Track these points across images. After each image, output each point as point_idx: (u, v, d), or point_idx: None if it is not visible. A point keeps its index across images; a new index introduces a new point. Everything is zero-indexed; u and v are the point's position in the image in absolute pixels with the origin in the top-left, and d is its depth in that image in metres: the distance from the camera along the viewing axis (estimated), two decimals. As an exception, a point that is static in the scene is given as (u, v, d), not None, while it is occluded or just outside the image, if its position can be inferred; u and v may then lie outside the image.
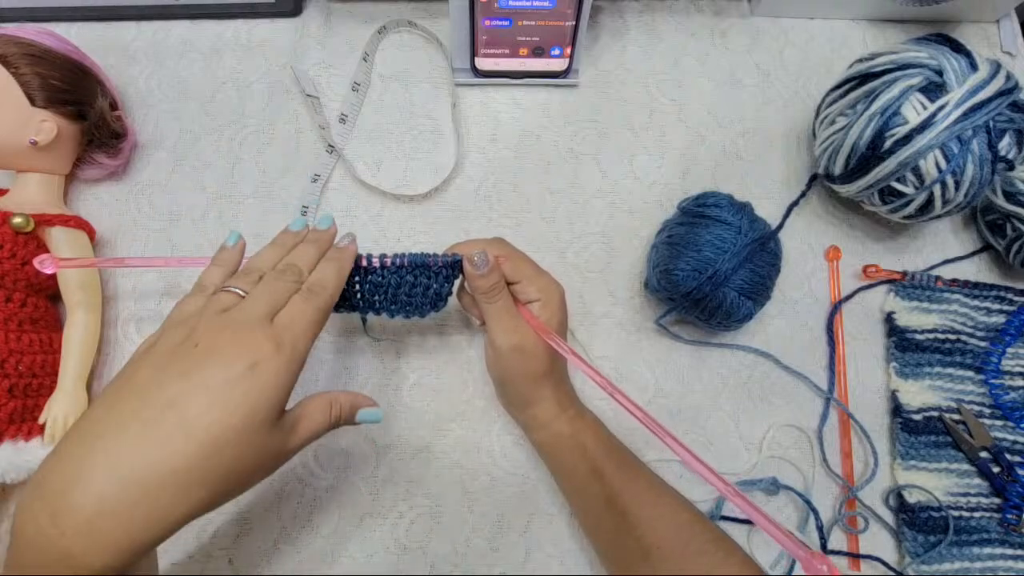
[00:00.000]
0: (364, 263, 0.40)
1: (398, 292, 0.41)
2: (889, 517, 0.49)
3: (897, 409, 0.50)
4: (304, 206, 0.53)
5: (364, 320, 0.47)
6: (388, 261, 0.40)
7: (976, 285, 0.52)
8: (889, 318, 0.52)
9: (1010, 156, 0.44)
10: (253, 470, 0.31)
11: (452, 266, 0.41)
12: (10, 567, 0.27)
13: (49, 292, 0.47)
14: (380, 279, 0.41)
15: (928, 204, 0.46)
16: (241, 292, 0.34)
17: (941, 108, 0.43)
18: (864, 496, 0.49)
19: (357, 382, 0.50)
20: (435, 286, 0.42)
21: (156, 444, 0.27)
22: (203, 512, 0.29)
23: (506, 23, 0.52)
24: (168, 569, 0.45)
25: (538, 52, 0.54)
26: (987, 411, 0.51)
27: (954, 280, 0.52)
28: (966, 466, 0.50)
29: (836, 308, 0.53)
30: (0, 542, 0.45)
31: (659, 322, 0.51)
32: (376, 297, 0.41)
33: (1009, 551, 0.48)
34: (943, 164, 0.44)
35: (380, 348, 0.50)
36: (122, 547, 0.26)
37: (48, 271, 0.43)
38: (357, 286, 0.41)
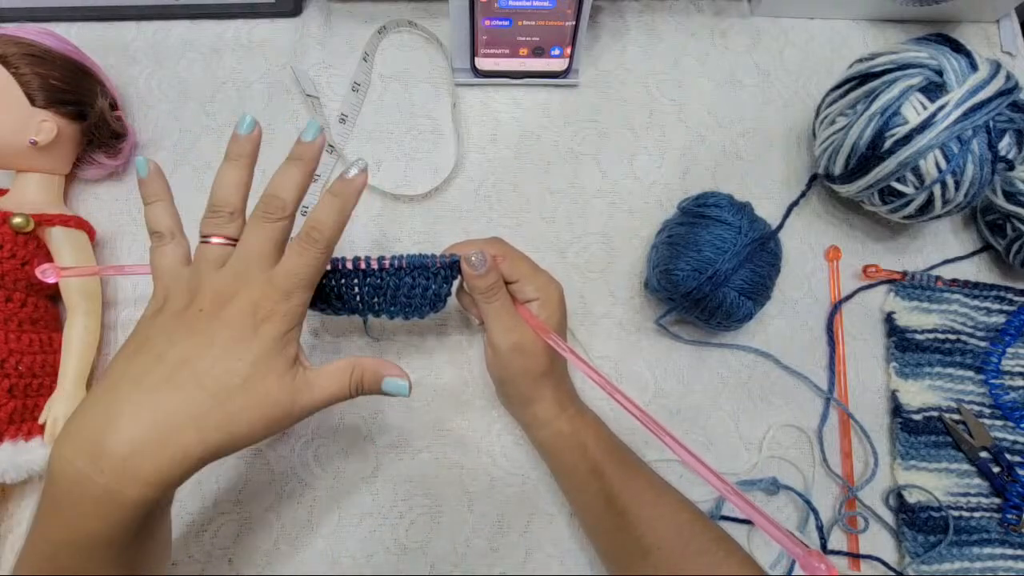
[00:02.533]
0: (363, 265, 0.40)
1: (397, 294, 0.41)
2: (889, 517, 0.49)
3: (897, 409, 0.50)
4: (304, 206, 0.53)
5: (365, 321, 0.47)
6: (387, 263, 0.40)
7: (976, 285, 0.52)
8: (889, 318, 0.52)
9: (1010, 156, 0.44)
10: (263, 421, 0.32)
11: (450, 267, 0.41)
12: (46, 512, 0.30)
13: (49, 292, 0.47)
14: (379, 281, 0.41)
15: (928, 204, 0.46)
16: (225, 242, 0.34)
17: (941, 108, 0.43)
18: (864, 496, 0.49)
19: (357, 382, 0.50)
20: (434, 287, 0.42)
21: (173, 394, 0.30)
22: (222, 454, 0.31)
23: (506, 23, 0.52)
24: (169, 569, 0.45)
25: (538, 52, 0.54)
26: (987, 411, 0.51)
27: (954, 280, 0.52)
28: (966, 466, 0.50)
29: (836, 308, 0.53)
30: (0, 540, 0.45)
31: (659, 322, 0.51)
32: (375, 299, 0.41)
33: (1009, 551, 0.48)
34: (943, 164, 0.44)
35: (380, 348, 0.50)
36: (153, 481, 0.29)
37: (50, 280, 0.44)
38: (356, 288, 0.41)
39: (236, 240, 0.34)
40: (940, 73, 0.44)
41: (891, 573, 0.47)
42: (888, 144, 0.45)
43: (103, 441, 0.28)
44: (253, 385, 0.31)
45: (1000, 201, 0.50)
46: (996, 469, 0.49)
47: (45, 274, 0.43)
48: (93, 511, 0.28)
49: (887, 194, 0.47)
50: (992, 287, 0.52)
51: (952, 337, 0.51)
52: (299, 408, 0.33)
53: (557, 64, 0.55)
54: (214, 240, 0.34)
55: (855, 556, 0.48)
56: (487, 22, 0.51)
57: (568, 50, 0.54)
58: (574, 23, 0.52)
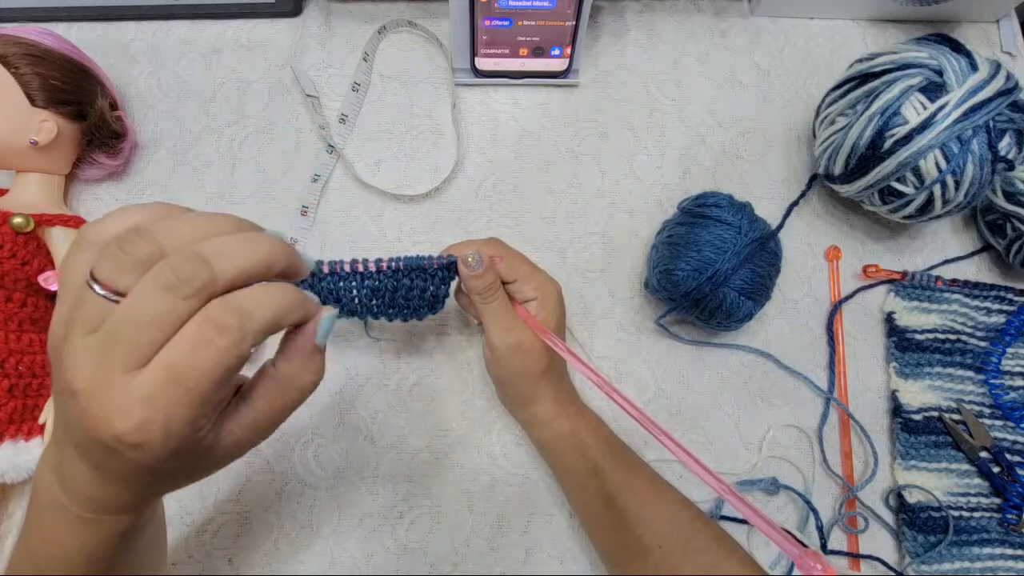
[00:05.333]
0: (360, 268, 0.40)
1: (395, 296, 0.41)
2: (889, 517, 0.49)
3: (897, 409, 0.50)
4: (304, 206, 0.53)
5: (365, 322, 0.47)
6: (384, 265, 0.40)
7: (976, 285, 0.52)
8: (889, 318, 0.52)
9: (1010, 156, 0.44)
10: (201, 473, 0.28)
11: (448, 268, 0.41)
12: (29, 528, 0.29)
13: (49, 293, 0.47)
14: (376, 283, 0.41)
15: (928, 204, 0.46)
16: (113, 297, 0.22)
17: (941, 108, 0.43)
18: (864, 496, 0.49)
19: (357, 382, 0.50)
20: (432, 288, 0.42)
21: None
22: (180, 487, 0.28)
23: (506, 23, 0.52)
24: (168, 569, 0.45)
25: (538, 52, 0.54)
26: (987, 411, 0.51)
27: (954, 280, 0.52)
28: (966, 466, 0.50)
29: (836, 308, 0.53)
30: (0, 540, 0.45)
31: (659, 322, 0.51)
32: (374, 301, 0.41)
33: (1009, 551, 0.48)
34: (943, 164, 0.44)
35: (380, 349, 0.50)
36: (119, 508, 0.27)
37: (53, 288, 0.44)
38: (355, 291, 0.41)
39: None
40: (940, 73, 0.44)
41: (891, 573, 0.47)
42: (888, 144, 0.45)
43: (63, 470, 0.27)
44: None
45: (1000, 201, 0.50)
46: (996, 469, 0.49)
47: (48, 281, 0.44)
48: (70, 533, 0.27)
49: (887, 194, 0.47)
50: (992, 287, 0.52)
51: (952, 337, 0.51)
52: (226, 453, 0.27)
53: (557, 64, 0.55)
54: (98, 288, 0.22)
55: (855, 556, 0.48)
56: (487, 22, 0.51)
57: (568, 50, 0.54)
58: (574, 23, 0.52)
